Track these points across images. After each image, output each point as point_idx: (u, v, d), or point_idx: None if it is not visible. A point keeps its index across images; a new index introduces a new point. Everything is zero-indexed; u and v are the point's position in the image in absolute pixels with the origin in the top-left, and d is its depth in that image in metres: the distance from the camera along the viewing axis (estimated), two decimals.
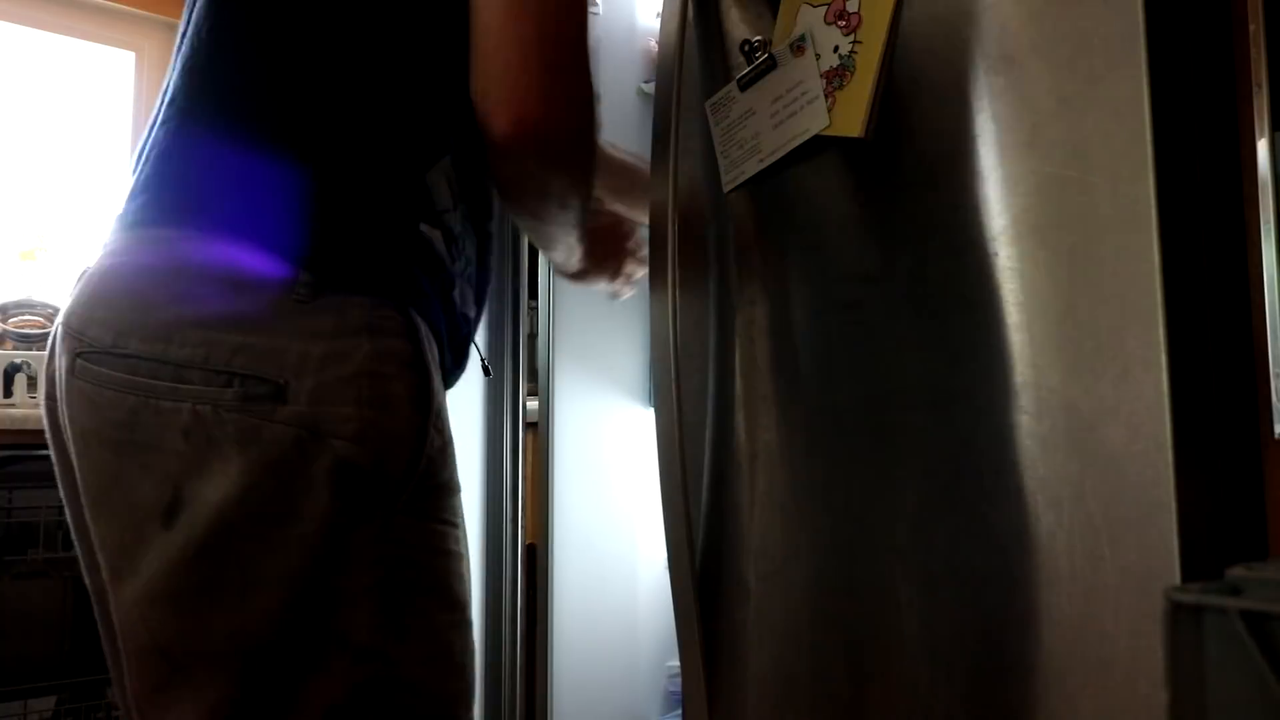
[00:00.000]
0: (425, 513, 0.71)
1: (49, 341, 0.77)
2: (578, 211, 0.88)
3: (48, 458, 0.78)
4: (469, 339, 0.86)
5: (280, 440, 0.63)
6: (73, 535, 0.79)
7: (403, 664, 0.69)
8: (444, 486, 0.73)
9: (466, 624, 0.75)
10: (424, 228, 0.74)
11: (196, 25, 0.78)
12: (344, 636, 0.67)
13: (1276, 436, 0.68)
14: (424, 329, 0.73)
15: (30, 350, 1.97)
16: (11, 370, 1.87)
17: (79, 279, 0.76)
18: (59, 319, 0.74)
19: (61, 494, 0.79)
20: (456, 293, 0.80)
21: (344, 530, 0.66)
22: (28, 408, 1.81)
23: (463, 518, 0.76)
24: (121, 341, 0.65)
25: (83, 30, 2.39)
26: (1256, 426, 0.70)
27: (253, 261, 0.67)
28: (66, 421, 0.71)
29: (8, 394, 1.86)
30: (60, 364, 0.72)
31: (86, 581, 0.79)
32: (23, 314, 2.06)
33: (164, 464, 0.63)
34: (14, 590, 1.75)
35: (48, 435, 0.78)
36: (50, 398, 0.77)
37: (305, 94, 0.72)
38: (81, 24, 2.39)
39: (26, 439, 1.70)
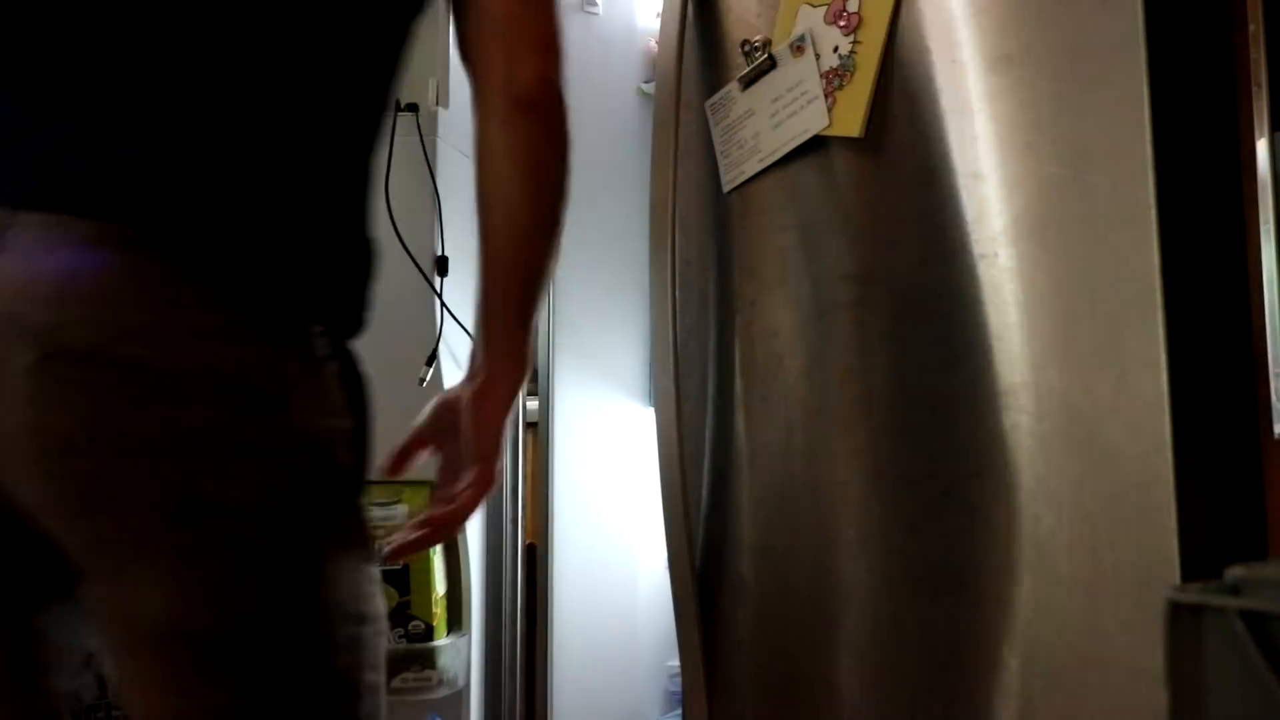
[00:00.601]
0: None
1: None
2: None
3: None
4: None
5: (288, 448, 0.65)
6: None
7: None
8: None
9: None
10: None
11: None
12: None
13: (1276, 436, 0.68)
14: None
15: None
16: None
17: (27, 269, 0.64)
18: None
19: None
20: None
21: (336, 531, 0.67)
22: None
23: None
24: (114, 347, 0.62)
25: None
26: (1256, 426, 0.70)
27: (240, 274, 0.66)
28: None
29: None
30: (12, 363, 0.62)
31: None
32: None
33: (172, 469, 0.63)
34: None
35: None
36: None
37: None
38: None
39: None
